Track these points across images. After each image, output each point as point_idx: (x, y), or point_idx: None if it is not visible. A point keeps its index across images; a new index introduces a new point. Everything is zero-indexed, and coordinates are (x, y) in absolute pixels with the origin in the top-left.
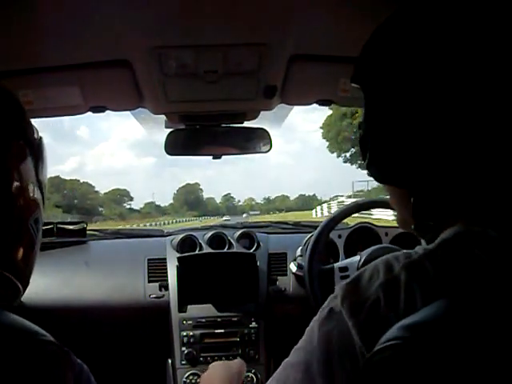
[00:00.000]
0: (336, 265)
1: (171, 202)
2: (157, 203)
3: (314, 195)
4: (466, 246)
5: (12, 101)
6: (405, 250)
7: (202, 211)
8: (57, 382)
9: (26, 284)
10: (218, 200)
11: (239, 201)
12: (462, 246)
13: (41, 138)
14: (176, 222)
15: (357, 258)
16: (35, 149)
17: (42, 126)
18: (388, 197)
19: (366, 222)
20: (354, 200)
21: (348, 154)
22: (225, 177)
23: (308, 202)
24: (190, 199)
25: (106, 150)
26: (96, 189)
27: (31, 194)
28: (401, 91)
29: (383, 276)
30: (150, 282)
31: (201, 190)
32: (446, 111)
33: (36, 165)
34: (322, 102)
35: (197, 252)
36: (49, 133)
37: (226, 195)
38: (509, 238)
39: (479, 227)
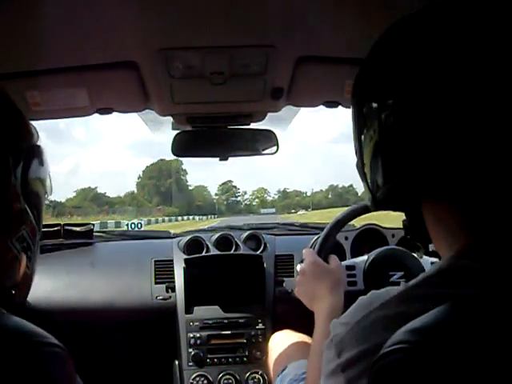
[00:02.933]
0: (343, 263)
1: (133, 190)
2: (100, 191)
3: (351, 186)
4: (447, 280)
5: (5, 105)
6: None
7: (185, 207)
8: (60, 383)
9: (20, 306)
10: (213, 190)
11: (245, 193)
12: (440, 284)
13: (36, 145)
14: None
15: (364, 257)
16: (24, 157)
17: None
18: None
19: (372, 224)
20: None
21: None
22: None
23: (342, 196)
24: (165, 186)
25: (103, 151)
26: None
27: (13, 208)
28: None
29: (361, 313)
30: (156, 283)
31: (183, 171)
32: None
33: (24, 174)
34: (329, 104)
35: (204, 254)
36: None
37: (224, 184)
38: (496, 270)
39: (467, 260)
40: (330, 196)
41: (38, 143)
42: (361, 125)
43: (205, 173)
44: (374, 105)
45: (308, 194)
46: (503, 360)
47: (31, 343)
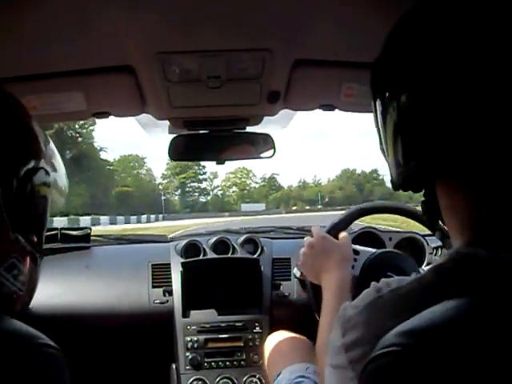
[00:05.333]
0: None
1: None
2: None
3: (375, 173)
4: (455, 269)
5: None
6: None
7: (87, 198)
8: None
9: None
10: (159, 170)
11: (214, 176)
12: (452, 269)
13: (34, 169)
14: None
15: (372, 250)
16: (20, 180)
17: None
18: (392, 202)
19: (369, 227)
20: None
21: None
22: None
23: (364, 187)
24: None
25: None
26: None
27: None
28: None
29: (371, 297)
30: (154, 287)
31: (85, 130)
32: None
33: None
34: (325, 108)
35: (201, 257)
36: None
37: (178, 163)
38: (502, 259)
39: (476, 248)
40: (346, 186)
41: (47, 149)
42: (381, 111)
43: (141, 135)
44: (392, 90)
45: (307, 182)
46: (500, 365)
47: (26, 344)
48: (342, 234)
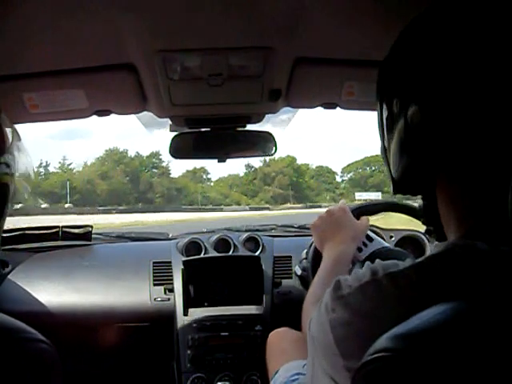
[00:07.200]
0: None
1: None
2: None
3: (155, 155)
4: (453, 260)
5: None
6: (397, 261)
7: None
8: (46, 379)
9: None
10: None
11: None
12: (450, 259)
13: None
14: None
15: (384, 243)
16: None
17: None
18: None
19: (371, 225)
20: None
21: None
22: None
23: (135, 175)
24: None
25: None
26: None
27: None
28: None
29: (365, 278)
30: (155, 285)
31: None
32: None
33: None
34: (327, 106)
35: (202, 255)
36: None
37: None
38: (499, 251)
39: (473, 240)
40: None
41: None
42: (384, 114)
43: None
44: (397, 95)
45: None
46: (493, 371)
47: (18, 339)
48: (364, 217)
